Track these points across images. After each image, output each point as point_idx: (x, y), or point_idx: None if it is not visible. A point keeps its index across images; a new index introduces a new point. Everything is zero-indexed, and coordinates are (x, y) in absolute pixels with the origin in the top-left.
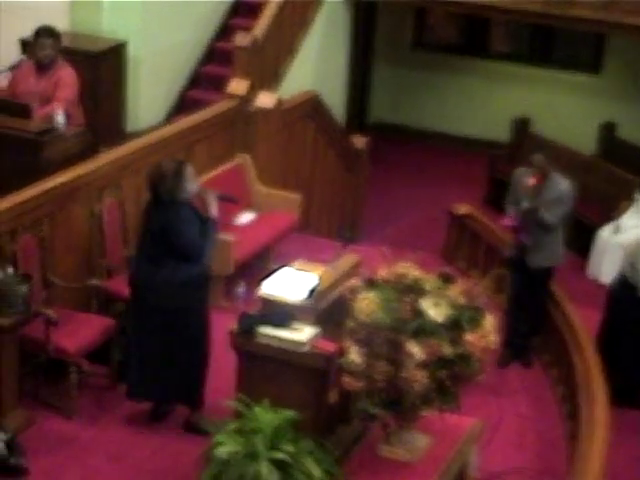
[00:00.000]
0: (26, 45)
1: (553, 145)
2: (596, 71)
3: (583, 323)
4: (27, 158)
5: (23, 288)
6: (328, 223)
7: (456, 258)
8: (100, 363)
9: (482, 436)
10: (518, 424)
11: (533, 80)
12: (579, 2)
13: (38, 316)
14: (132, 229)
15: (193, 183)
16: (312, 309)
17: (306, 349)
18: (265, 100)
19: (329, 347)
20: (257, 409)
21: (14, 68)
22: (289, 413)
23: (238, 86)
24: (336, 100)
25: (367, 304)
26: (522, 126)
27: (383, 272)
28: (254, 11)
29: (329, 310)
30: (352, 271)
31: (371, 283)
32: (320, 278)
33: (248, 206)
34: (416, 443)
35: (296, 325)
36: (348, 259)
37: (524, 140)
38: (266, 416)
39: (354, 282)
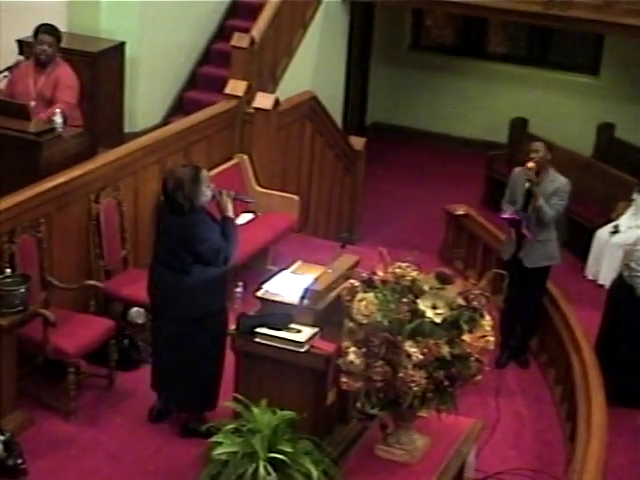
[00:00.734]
0: (24, 45)
1: (551, 146)
2: (594, 72)
3: (581, 324)
4: (26, 159)
5: (21, 289)
6: (326, 224)
7: (454, 258)
8: (98, 364)
9: (480, 437)
10: (516, 425)
11: (531, 81)
12: (577, 3)
13: (36, 317)
14: (130, 230)
15: (209, 187)
16: (311, 310)
17: (304, 350)
18: (263, 101)
19: (327, 348)
20: (255, 410)
21: (12, 69)
22: (287, 413)
23: (236, 87)
24: (334, 101)
25: (365, 305)
26: (520, 127)
27: (381, 273)
28: (252, 12)
29: (327, 311)
30: (350, 272)
31: (369, 284)
32: (318, 279)
33: (246, 207)
34: (414, 443)
35: (295, 326)
36: (346, 260)
37: (522, 141)
38: (264, 417)
39: (352, 283)
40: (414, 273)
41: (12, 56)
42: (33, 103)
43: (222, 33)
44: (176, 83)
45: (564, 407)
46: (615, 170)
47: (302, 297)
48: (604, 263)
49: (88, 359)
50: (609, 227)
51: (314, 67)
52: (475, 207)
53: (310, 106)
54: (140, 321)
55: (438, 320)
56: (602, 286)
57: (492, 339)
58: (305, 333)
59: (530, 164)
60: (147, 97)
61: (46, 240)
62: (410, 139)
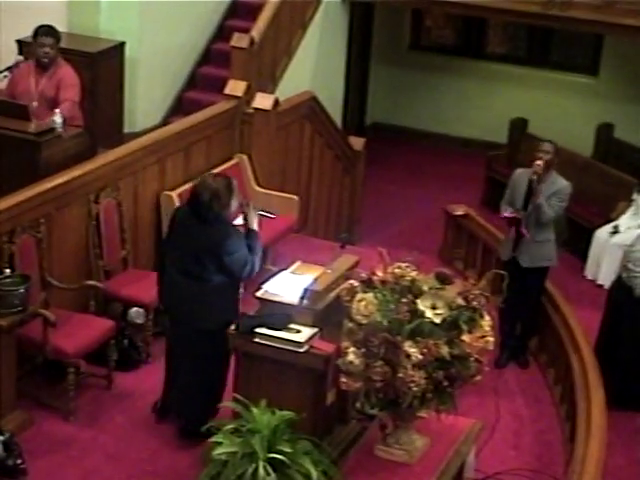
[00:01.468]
0: (23, 45)
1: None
2: (594, 72)
3: (580, 324)
4: (25, 159)
5: (21, 289)
6: (326, 224)
7: (453, 259)
8: (98, 364)
9: (479, 437)
10: (515, 425)
11: (530, 81)
12: (576, 3)
13: (36, 317)
14: (130, 230)
15: (237, 198)
16: (310, 310)
17: (304, 350)
18: (262, 101)
19: (327, 348)
20: (255, 410)
21: (12, 69)
22: (287, 414)
23: (235, 87)
24: (334, 101)
25: (365, 305)
26: (519, 127)
27: (380, 273)
28: (252, 12)
29: (327, 311)
30: (350, 272)
31: (368, 284)
32: (318, 279)
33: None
34: (414, 444)
35: (294, 326)
36: (346, 260)
37: (521, 141)
38: (264, 417)
39: (352, 283)
40: (413, 273)
41: (12, 56)
42: (35, 104)
43: (222, 33)
44: (176, 83)
45: (564, 407)
46: (614, 170)
47: (301, 297)
48: (603, 263)
49: (88, 359)
50: (609, 227)
51: (314, 67)
52: (475, 207)
53: (310, 106)
54: (140, 321)
55: (437, 320)
56: (601, 286)
57: (491, 339)
58: (304, 333)
59: (538, 161)
60: (147, 97)
61: (46, 240)
62: (410, 139)
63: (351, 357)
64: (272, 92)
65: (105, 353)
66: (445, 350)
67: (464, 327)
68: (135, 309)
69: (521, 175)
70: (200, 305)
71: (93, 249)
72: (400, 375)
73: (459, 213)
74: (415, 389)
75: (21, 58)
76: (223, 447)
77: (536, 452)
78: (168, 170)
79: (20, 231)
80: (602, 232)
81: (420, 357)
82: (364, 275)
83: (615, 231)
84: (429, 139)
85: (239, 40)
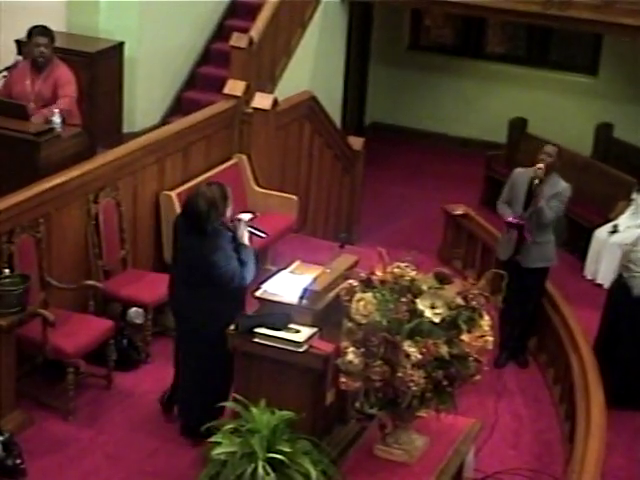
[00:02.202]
0: (22, 45)
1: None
2: (593, 72)
3: (580, 323)
4: (24, 159)
5: (20, 289)
6: (325, 224)
7: (452, 258)
8: (97, 364)
9: (479, 436)
10: (515, 425)
11: (530, 81)
12: (576, 3)
13: (35, 317)
14: (129, 230)
15: (230, 209)
16: (309, 310)
17: (303, 350)
18: (262, 101)
19: (326, 348)
20: (254, 410)
21: (10, 69)
22: (286, 414)
23: (235, 87)
24: (333, 101)
25: (364, 305)
26: (519, 127)
27: (380, 273)
28: (251, 12)
29: (326, 311)
30: (349, 272)
31: (368, 284)
32: (317, 279)
33: (245, 207)
34: (413, 443)
35: (293, 326)
36: (345, 260)
37: (521, 141)
38: (263, 417)
39: (351, 283)
40: (413, 273)
41: (11, 56)
42: (32, 105)
43: (221, 33)
44: (175, 83)
45: (563, 407)
46: (614, 170)
47: (301, 297)
48: (603, 263)
49: (87, 359)
50: (608, 227)
51: (313, 67)
52: (474, 207)
53: (309, 106)
54: (139, 321)
55: (437, 320)
56: (601, 286)
57: (491, 339)
58: (304, 333)
59: (540, 165)
60: (146, 97)
61: (45, 240)
62: (409, 139)
63: (350, 357)
64: (271, 92)
65: (104, 353)
66: (444, 350)
67: (463, 327)
68: (134, 309)
69: (521, 175)
70: (199, 312)
71: (92, 249)
72: (399, 375)
73: (458, 213)
74: (414, 389)
75: (20, 58)
76: (222, 447)
77: (535, 452)
78: (167, 170)
79: (19, 231)
80: (601, 232)
81: (419, 357)
82: (363, 275)
83: (614, 230)
84: (428, 139)
85: (238, 40)
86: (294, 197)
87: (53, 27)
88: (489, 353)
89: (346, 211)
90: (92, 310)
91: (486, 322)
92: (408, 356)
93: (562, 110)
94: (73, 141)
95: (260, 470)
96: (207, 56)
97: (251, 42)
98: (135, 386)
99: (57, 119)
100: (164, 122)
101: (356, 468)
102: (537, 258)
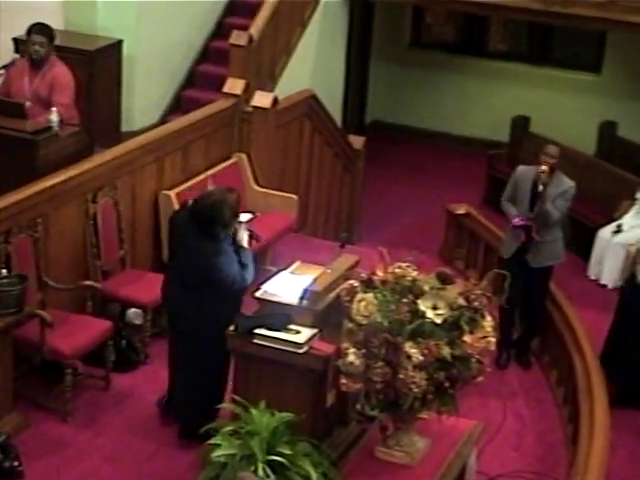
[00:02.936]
0: (19, 44)
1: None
2: (596, 70)
3: (583, 324)
4: (22, 158)
5: (18, 289)
6: (325, 223)
7: (454, 258)
8: (96, 365)
9: (481, 438)
10: (517, 426)
11: (532, 79)
12: (579, 0)
13: (33, 317)
14: (127, 230)
15: None
16: (310, 310)
17: (303, 351)
18: (261, 99)
19: (327, 349)
20: (254, 411)
21: (8, 67)
22: (286, 415)
23: (234, 85)
24: (333, 99)
25: (365, 305)
26: (521, 125)
27: (381, 273)
28: (250, 10)
29: (327, 311)
30: (350, 272)
31: (369, 284)
32: (317, 279)
33: (244, 207)
34: (414, 446)
35: (293, 327)
36: (345, 260)
37: (523, 139)
38: (263, 418)
39: (352, 283)
40: (414, 273)
41: (9, 55)
42: (29, 103)
43: (220, 31)
44: (174, 81)
45: (566, 409)
46: (618, 169)
47: (301, 298)
48: (606, 263)
49: (85, 360)
50: (612, 226)
51: (313, 65)
52: (476, 206)
53: (309, 104)
54: (138, 322)
55: (439, 321)
56: (604, 286)
57: (493, 340)
58: (304, 334)
59: (543, 167)
60: (145, 96)
61: (43, 240)
62: (410, 138)
63: (351, 358)
64: (271, 90)
65: (103, 354)
66: (446, 351)
67: (465, 327)
68: (133, 310)
69: (524, 173)
70: (197, 312)
71: (90, 249)
72: (401, 376)
73: (460, 212)
74: (416, 390)
75: (17, 56)
76: (222, 449)
77: (538, 454)
78: (166, 169)
79: (17, 231)
80: (605, 231)
81: (421, 358)
82: (364, 275)
83: (618, 230)
84: (430, 137)
85: (238, 38)
86: (294, 196)
87: (50, 25)
88: (491, 354)
89: (347, 210)
90: (90, 311)
91: (488, 323)
92: (409, 357)
93: (565, 108)
94: (71, 140)
95: (260, 472)
96: (206, 54)
97: (251, 40)
98: (133, 387)
99: (55, 118)
100: (163, 121)
101: (357, 470)
102: (547, 257)
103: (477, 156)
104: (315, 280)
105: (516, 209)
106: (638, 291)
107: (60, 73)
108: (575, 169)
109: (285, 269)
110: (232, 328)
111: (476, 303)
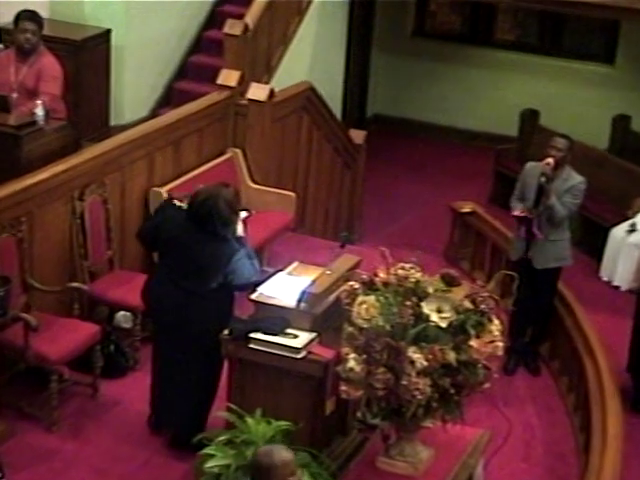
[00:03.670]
0: (3, 33)
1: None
2: (609, 61)
3: (595, 328)
4: (5, 153)
5: (0, 292)
6: (324, 222)
7: (460, 259)
8: (83, 371)
9: (488, 448)
10: (526, 435)
11: (542, 70)
12: None
13: (17, 321)
14: (116, 229)
15: None
16: (308, 314)
17: (301, 356)
18: (257, 92)
19: (326, 354)
20: (249, 420)
21: None
22: (283, 424)
23: (229, 77)
24: (333, 92)
25: (366, 308)
26: (530, 119)
27: (383, 274)
28: None
29: (326, 315)
30: (350, 273)
31: (370, 286)
32: (316, 281)
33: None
34: (418, 455)
35: (291, 331)
36: (346, 260)
37: (533, 134)
38: (259, 427)
39: (352, 285)
40: (418, 274)
41: None
42: (15, 95)
43: (214, 20)
44: (165, 73)
45: (577, 417)
46: (631, 164)
47: (299, 300)
48: (620, 264)
49: (72, 366)
50: (625, 225)
51: (311, 56)
52: (482, 204)
53: (307, 97)
54: (127, 326)
55: (443, 324)
56: (617, 288)
57: (501, 345)
58: (302, 338)
59: (549, 159)
60: (134, 88)
61: (27, 240)
62: (413, 132)
63: (351, 363)
64: (267, 82)
65: (90, 359)
66: (451, 356)
67: (472, 332)
68: (122, 313)
69: (533, 169)
70: (191, 313)
71: (77, 249)
72: (404, 382)
73: (466, 210)
74: (419, 397)
75: (1, 47)
76: (216, 460)
77: (548, 464)
78: (157, 165)
79: (0, 230)
80: (618, 230)
81: (425, 363)
82: (365, 276)
83: (632, 229)
84: (434, 132)
85: (232, 27)
86: (292, 194)
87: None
88: (499, 359)
89: (347, 209)
90: (77, 314)
91: (496, 327)
92: (413, 363)
93: (576, 101)
94: (57, 135)
95: None
96: (199, 44)
97: (246, 29)
98: (122, 394)
99: (40, 112)
100: (154, 114)
101: None
102: (551, 258)
103: (484, 151)
104: (314, 282)
105: (521, 206)
106: None
107: (48, 64)
108: (587, 165)
109: (282, 270)
110: (227, 332)
111: (483, 306)
